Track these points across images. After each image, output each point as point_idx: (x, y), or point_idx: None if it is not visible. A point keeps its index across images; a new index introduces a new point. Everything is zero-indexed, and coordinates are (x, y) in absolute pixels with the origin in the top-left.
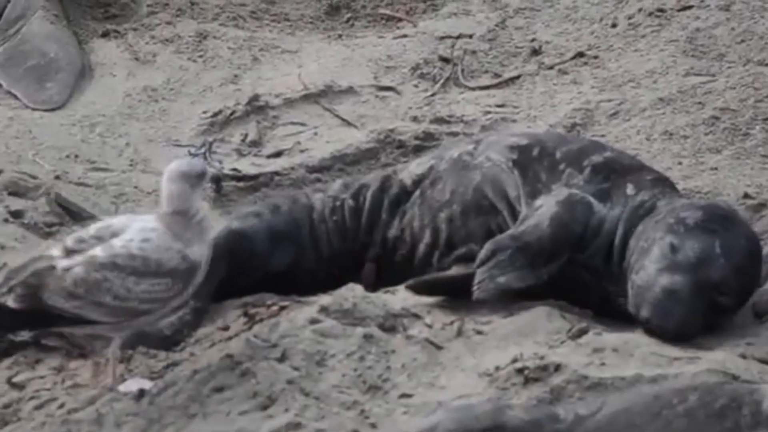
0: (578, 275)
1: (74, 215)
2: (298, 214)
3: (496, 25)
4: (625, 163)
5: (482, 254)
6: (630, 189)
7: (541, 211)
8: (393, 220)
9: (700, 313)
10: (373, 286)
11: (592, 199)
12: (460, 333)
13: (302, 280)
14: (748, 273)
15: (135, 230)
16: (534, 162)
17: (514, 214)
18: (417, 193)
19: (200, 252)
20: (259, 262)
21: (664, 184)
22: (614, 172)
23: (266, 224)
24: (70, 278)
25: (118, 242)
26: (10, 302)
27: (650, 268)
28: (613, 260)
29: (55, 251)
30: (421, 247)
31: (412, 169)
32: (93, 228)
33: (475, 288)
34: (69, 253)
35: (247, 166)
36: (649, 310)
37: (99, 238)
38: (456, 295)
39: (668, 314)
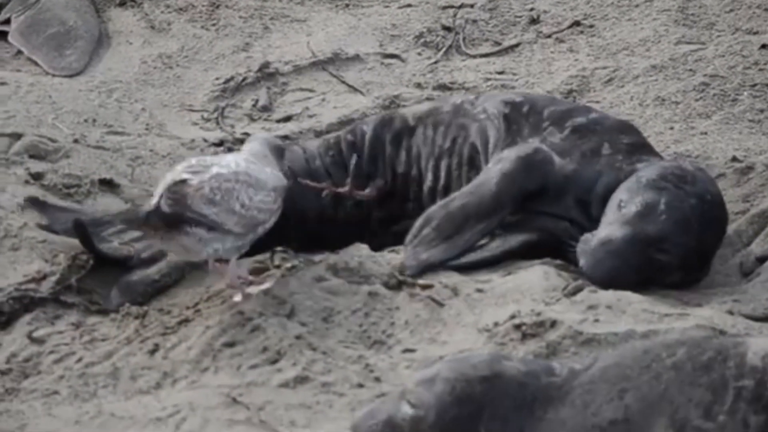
0: (564, 230)
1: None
2: (289, 161)
3: None
4: (606, 125)
5: (413, 229)
6: (606, 149)
7: (496, 167)
8: (399, 154)
9: (633, 266)
10: (371, 205)
11: (554, 156)
12: (457, 292)
13: (310, 223)
14: (692, 232)
15: (233, 157)
16: (521, 117)
17: None
18: (420, 129)
19: (284, 179)
20: None
21: (641, 147)
22: (593, 132)
23: None
24: (208, 186)
25: (231, 163)
26: (163, 206)
27: (602, 223)
28: (592, 216)
29: (180, 171)
30: (425, 189)
31: (414, 108)
32: (194, 160)
33: (401, 266)
34: (191, 172)
35: (257, 130)
36: (585, 259)
37: (205, 165)
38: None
39: (600, 263)
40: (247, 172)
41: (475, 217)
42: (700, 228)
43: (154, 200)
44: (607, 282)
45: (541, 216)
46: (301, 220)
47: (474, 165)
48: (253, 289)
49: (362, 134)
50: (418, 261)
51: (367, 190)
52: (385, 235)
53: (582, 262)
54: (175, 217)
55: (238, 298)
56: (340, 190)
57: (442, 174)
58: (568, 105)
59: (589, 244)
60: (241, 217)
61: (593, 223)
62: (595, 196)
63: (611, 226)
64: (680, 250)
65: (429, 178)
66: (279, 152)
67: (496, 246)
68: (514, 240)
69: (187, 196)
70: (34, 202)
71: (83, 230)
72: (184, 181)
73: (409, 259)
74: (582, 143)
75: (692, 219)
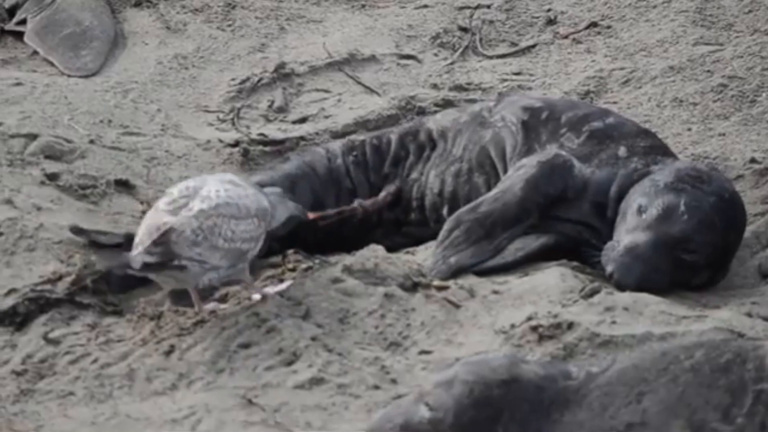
0: (579, 233)
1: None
2: (310, 158)
3: None
4: (624, 130)
5: (441, 233)
6: (622, 152)
7: (518, 174)
8: (417, 164)
9: (662, 269)
10: (379, 212)
11: (575, 161)
12: (473, 294)
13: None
14: (716, 230)
15: (215, 183)
16: (540, 124)
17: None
18: (441, 143)
19: (265, 199)
20: None
21: (658, 150)
22: (609, 137)
23: (280, 171)
24: (189, 229)
25: (212, 194)
26: (147, 258)
27: (621, 230)
28: (606, 219)
29: (162, 216)
30: (429, 195)
31: (438, 118)
32: (175, 190)
33: (430, 269)
34: (173, 213)
35: (273, 131)
36: (613, 267)
37: (187, 197)
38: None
39: (629, 270)
40: (227, 202)
41: (501, 224)
42: (723, 225)
43: (136, 250)
44: (638, 288)
45: (558, 221)
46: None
47: (484, 171)
48: (270, 290)
49: (388, 141)
50: (448, 265)
51: (382, 194)
52: (393, 238)
53: (610, 270)
54: (161, 264)
55: (256, 296)
56: (367, 205)
57: (449, 180)
58: (586, 109)
59: (614, 251)
60: (226, 251)
61: (608, 226)
62: (610, 199)
63: (635, 232)
64: (706, 249)
65: (436, 184)
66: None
67: (515, 250)
68: (533, 244)
69: (170, 243)
70: (77, 232)
71: (80, 229)
72: (166, 231)
73: (438, 263)
74: (599, 148)
75: (714, 217)
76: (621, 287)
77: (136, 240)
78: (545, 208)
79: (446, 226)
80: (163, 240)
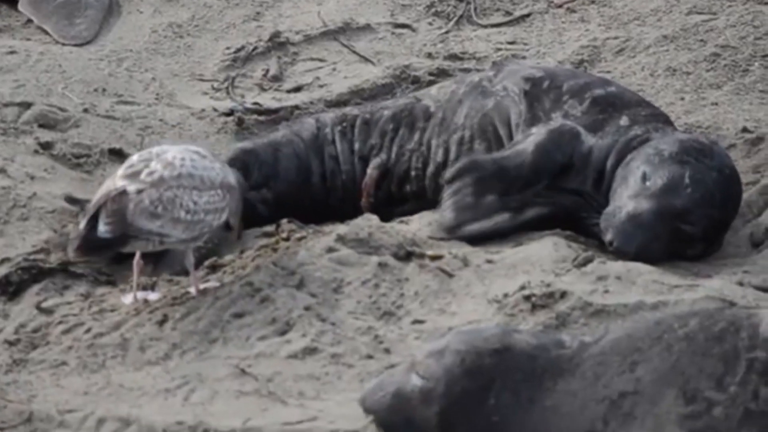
0: (575, 203)
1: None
2: (298, 127)
3: None
4: (625, 98)
5: (454, 170)
6: (624, 121)
7: (529, 139)
8: (412, 135)
9: (662, 239)
10: (373, 195)
11: (581, 129)
12: (466, 263)
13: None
14: (716, 205)
15: (180, 150)
16: (542, 93)
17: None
18: (439, 114)
19: (233, 174)
20: (267, 170)
21: (659, 119)
22: (612, 105)
23: (267, 138)
24: (148, 199)
25: (176, 161)
26: (102, 231)
27: (622, 195)
28: (602, 188)
29: (119, 181)
30: (431, 164)
31: (433, 93)
32: (135, 157)
33: (438, 221)
34: (129, 177)
35: (268, 100)
36: (613, 233)
37: (146, 160)
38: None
39: (630, 237)
40: (190, 173)
41: (514, 185)
42: (722, 200)
43: (82, 222)
44: (637, 255)
45: (557, 191)
46: (296, 203)
47: (485, 137)
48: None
49: (380, 116)
50: (469, 231)
51: (369, 170)
52: (388, 218)
53: (610, 236)
54: (118, 240)
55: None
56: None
57: (454, 148)
58: (586, 78)
59: (616, 218)
60: (188, 224)
61: (603, 195)
62: (608, 166)
63: (637, 199)
64: (705, 222)
65: (439, 153)
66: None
67: (509, 217)
68: (528, 213)
69: (126, 211)
70: (70, 201)
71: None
72: (122, 193)
73: (446, 212)
74: (602, 117)
75: (715, 192)
76: (620, 254)
77: (90, 204)
78: (554, 176)
79: (460, 165)
80: (119, 208)
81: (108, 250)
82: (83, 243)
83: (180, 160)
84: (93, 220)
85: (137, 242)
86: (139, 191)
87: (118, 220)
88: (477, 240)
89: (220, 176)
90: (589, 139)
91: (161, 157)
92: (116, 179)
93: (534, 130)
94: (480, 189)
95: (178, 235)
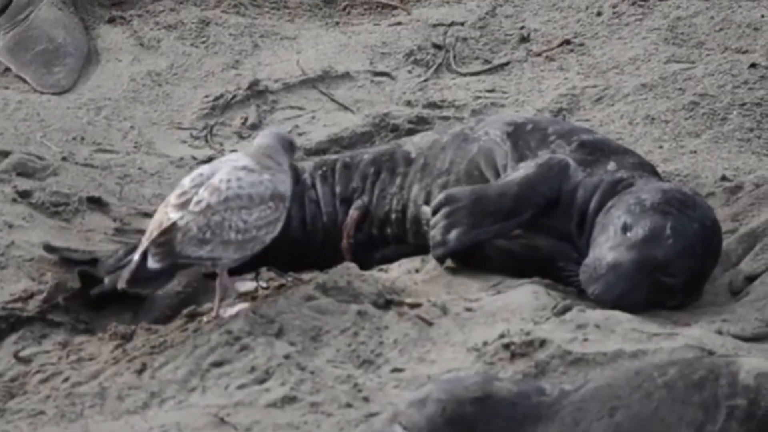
0: (552, 245)
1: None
2: None
3: (487, 13)
4: (612, 146)
5: (435, 203)
6: (611, 166)
7: (517, 172)
8: (393, 179)
9: (642, 290)
10: (353, 237)
11: (571, 162)
12: (446, 311)
13: (294, 238)
14: (696, 256)
15: (227, 172)
16: (526, 134)
17: None
18: (421, 161)
19: (285, 181)
20: None
21: (645, 168)
22: (600, 150)
23: None
24: (196, 226)
25: (222, 185)
26: (151, 263)
27: (603, 246)
28: (584, 232)
29: (168, 211)
30: (412, 207)
31: (416, 140)
32: (187, 180)
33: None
34: (179, 207)
35: (246, 148)
36: (594, 283)
37: (196, 186)
38: None
39: (610, 287)
40: (237, 194)
41: (493, 215)
42: (703, 252)
43: (141, 247)
44: (617, 304)
45: (543, 230)
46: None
47: (473, 181)
48: (233, 310)
49: (360, 160)
50: (446, 241)
51: (350, 211)
52: (368, 262)
53: (591, 288)
54: (168, 269)
55: (224, 313)
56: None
57: (436, 192)
58: (570, 125)
59: (595, 269)
60: (240, 243)
61: (583, 238)
62: (591, 209)
63: (619, 249)
64: (685, 274)
65: (421, 196)
66: (290, 147)
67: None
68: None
69: (174, 242)
70: (49, 249)
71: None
72: (170, 227)
73: (436, 237)
74: (590, 157)
75: (696, 244)
76: (600, 302)
77: (144, 237)
78: (540, 209)
79: (439, 199)
80: (167, 240)
81: (160, 280)
82: (134, 275)
83: (226, 183)
84: (146, 252)
85: (189, 268)
86: (187, 222)
87: (167, 251)
88: (465, 247)
89: (269, 189)
90: (578, 174)
91: (209, 183)
92: (168, 208)
93: (523, 164)
94: (457, 219)
95: (230, 256)
